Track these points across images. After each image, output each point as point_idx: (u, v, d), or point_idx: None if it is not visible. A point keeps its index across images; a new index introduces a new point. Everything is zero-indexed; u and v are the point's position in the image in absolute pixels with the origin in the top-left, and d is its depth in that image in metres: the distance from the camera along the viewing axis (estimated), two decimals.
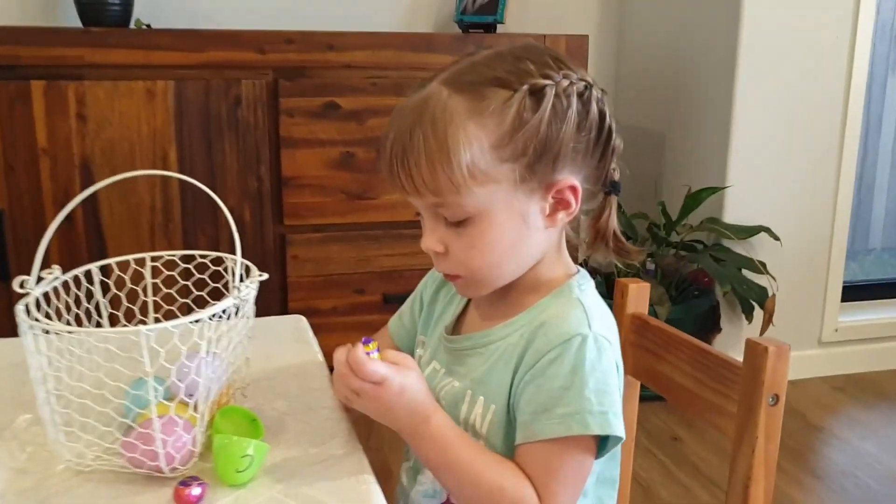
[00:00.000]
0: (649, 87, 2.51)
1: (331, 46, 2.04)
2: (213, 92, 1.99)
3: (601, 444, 0.82)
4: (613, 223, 0.89)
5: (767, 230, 2.24)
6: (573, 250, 0.93)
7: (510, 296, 0.89)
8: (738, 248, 2.27)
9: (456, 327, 0.96)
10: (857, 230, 2.99)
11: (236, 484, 0.77)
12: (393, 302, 2.19)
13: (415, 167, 0.80)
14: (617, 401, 0.81)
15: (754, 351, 0.89)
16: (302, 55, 2.03)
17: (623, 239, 0.90)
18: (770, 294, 2.13)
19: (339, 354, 0.81)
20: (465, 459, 0.81)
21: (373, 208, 2.15)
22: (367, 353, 0.80)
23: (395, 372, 0.79)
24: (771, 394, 0.89)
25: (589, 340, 0.80)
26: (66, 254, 1.94)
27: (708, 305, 2.22)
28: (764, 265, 2.15)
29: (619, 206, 0.91)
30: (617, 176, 0.89)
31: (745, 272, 2.20)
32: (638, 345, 1.07)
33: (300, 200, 2.10)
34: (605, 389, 0.80)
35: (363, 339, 0.81)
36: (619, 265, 0.94)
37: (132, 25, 2.17)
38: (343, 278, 2.19)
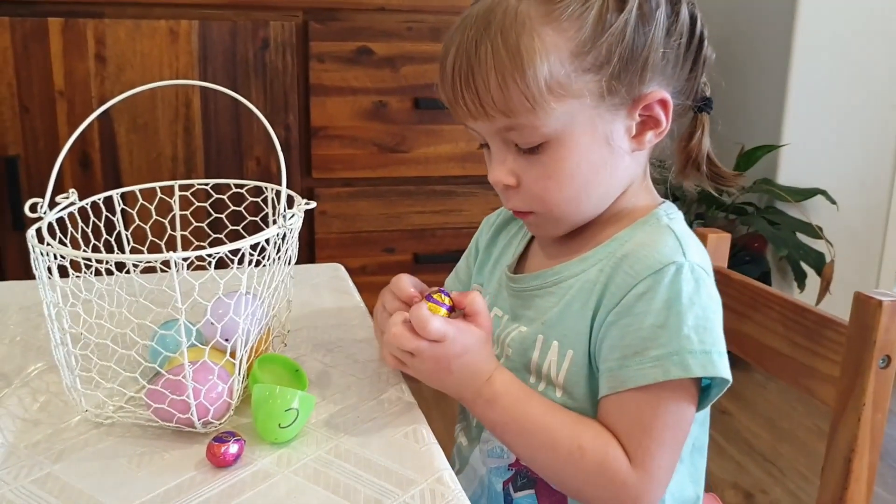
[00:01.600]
0: None
1: None
2: (240, 33, 1.88)
3: (702, 393, 0.72)
4: (707, 144, 0.79)
5: (824, 193, 2.12)
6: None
7: (585, 229, 0.79)
8: (792, 211, 2.14)
9: (518, 267, 0.85)
10: None
11: (279, 441, 0.67)
12: (424, 262, 2.10)
13: (482, 85, 0.69)
14: (721, 338, 0.70)
15: (865, 306, 0.79)
16: None
17: (718, 163, 0.80)
18: (828, 260, 2.01)
19: (396, 317, 0.70)
20: (537, 420, 0.70)
21: (405, 162, 2.04)
22: (440, 303, 0.70)
23: (457, 329, 0.69)
24: (882, 355, 0.79)
25: (685, 269, 0.69)
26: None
27: (759, 272, 2.10)
28: (821, 229, 2.02)
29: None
30: (708, 91, 0.79)
31: (799, 236, 2.08)
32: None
33: (329, 152, 1.99)
34: (707, 326, 0.69)
35: (436, 290, 0.72)
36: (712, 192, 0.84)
37: None
38: (372, 236, 2.08)
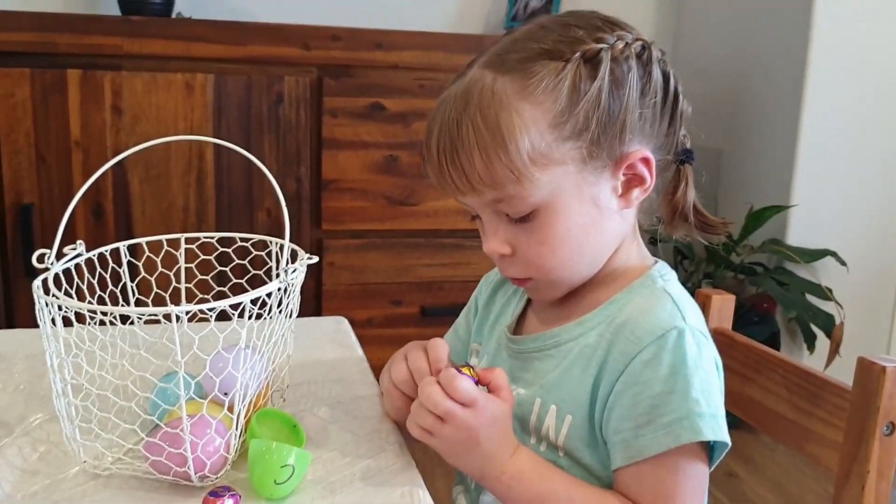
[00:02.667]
0: (706, 101, 2.40)
1: (379, 45, 1.95)
2: (255, 88, 1.91)
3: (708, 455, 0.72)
4: (692, 195, 0.79)
5: (833, 254, 2.11)
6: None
7: (581, 291, 0.79)
8: (801, 272, 2.13)
9: (518, 328, 0.85)
10: None
11: (274, 497, 0.67)
12: (431, 315, 2.10)
13: (467, 162, 0.71)
14: (722, 403, 0.71)
15: (869, 371, 0.79)
16: (348, 53, 1.94)
17: (705, 211, 0.80)
18: (837, 322, 1.99)
19: (426, 383, 0.70)
20: (561, 497, 0.70)
21: (414, 215, 2.06)
22: (466, 375, 0.70)
23: (488, 398, 0.69)
24: (886, 421, 0.78)
25: (686, 334, 0.70)
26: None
27: (768, 333, 2.09)
28: (830, 291, 2.01)
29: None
30: (689, 143, 0.80)
31: (808, 298, 2.07)
32: (722, 365, 0.96)
33: (340, 204, 2.01)
34: (710, 389, 0.70)
35: (463, 363, 0.73)
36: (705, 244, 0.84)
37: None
38: (380, 288, 2.09)
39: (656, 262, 0.81)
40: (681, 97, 0.77)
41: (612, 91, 0.71)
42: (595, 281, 0.79)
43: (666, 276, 0.78)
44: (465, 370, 0.71)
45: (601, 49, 0.71)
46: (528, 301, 0.86)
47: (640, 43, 0.74)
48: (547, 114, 0.70)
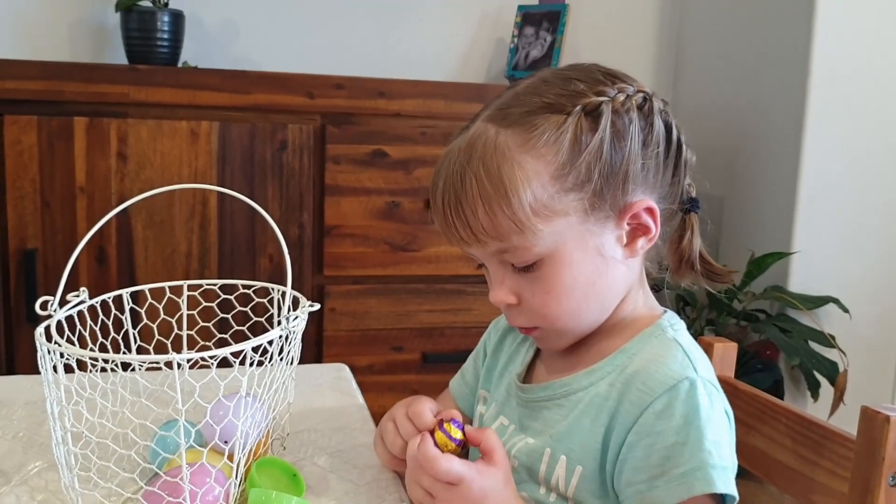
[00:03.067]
0: (706, 149, 2.38)
1: (381, 93, 1.98)
2: (259, 135, 1.93)
3: None
4: (698, 244, 0.80)
5: (836, 301, 2.11)
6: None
7: (590, 339, 0.79)
8: (804, 318, 2.13)
9: (527, 376, 0.85)
10: None
11: None
12: (433, 361, 2.09)
13: (471, 214, 0.72)
14: (733, 455, 0.71)
15: (872, 421, 0.78)
16: (351, 101, 1.97)
17: (711, 260, 0.80)
18: (841, 369, 1.98)
19: (412, 446, 0.70)
20: None
21: (415, 261, 2.06)
22: (451, 437, 0.69)
23: (476, 471, 0.68)
24: (892, 472, 0.77)
25: (698, 385, 0.70)
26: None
27: (772, 380, 2.08)
28: (833, 338, 2.00)
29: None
30: (694, 192, 0.80)
31: (811, 345, 2.06)
32: None
33: (341, 250, 2.02)
34: (721, 441, 0.70)
35: (448, 418, 0.70)
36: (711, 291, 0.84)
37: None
38: (381, 334, 2.08)
39: (665, 311, 0.81)
40: (684, 147, 0.78)
41: (613, 143, 0.72)
42: (603, 330, 0.79)
43: (675, 326, 0.78)
44: (448, 428, 0.69)
45: (602, 102, 0.72)
46: (538, 349, 0.86)
47: (641, 95, 0.74)
48: (549, 166, 0.71)
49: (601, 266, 0.75)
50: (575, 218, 0.72)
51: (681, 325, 0.79)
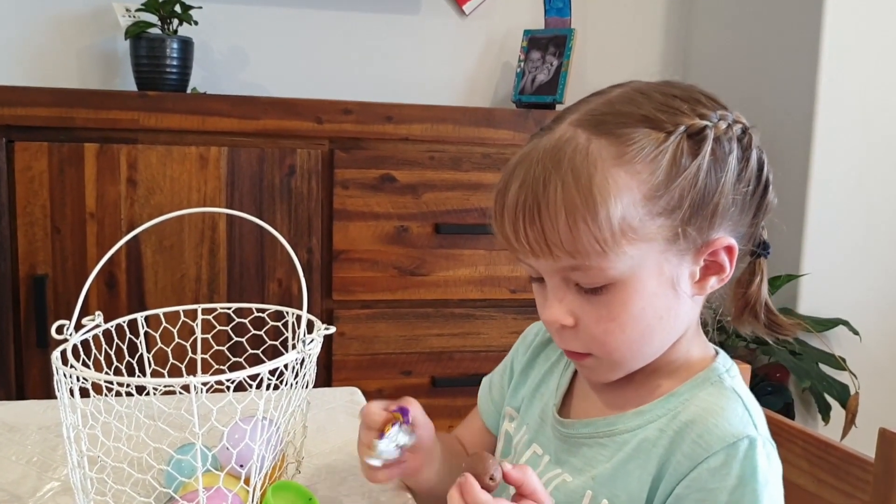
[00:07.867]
0: None
1: (389, 118, 1.99)
2: (268, 160, 1.94)
3: None
4: (765, 291, 0.76)
5: (846, 323, 2.10)
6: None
7: (639, 377, 0.75)
8: (814, 341, 2.12)
9: (564, 405, 0.82)
10: None
11: None
12: (442, 385, 2.08)
13: (550, 224, 0.67)
14: None
15: (891, 443, 0.78)
16: (359, 126, 1.98)
17: (775, 310, 0.77)
18: (852, 392, 1.97)
19: (453, 495, 0.63)
20: None
21: (424, 285, 2.06)
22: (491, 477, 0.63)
23: None
24: None
25: (758, 445, 0.67)
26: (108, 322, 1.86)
27: (782, 403, 2.06)
28: (844, 360, 1.99)
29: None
30: (766, 235, 0.76)
31: (822, 367, 2.04)
32: None
33: (350, 275, 2.02)
34: None
35: (399, 414, 0.71)
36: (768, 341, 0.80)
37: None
38: (390, 358, 2.08)
39: (717, 352, 0.78)
40: (770, 187, 0.74)
41: (710, 171, 0.68)
42: (654, 368, 0.75)
43: (731, 372, 0.75)
44: (492, 466, 0.63)
45: (706, 126, 0.68)
46: (576, 373, 0.82)
47: (740, 125, 0.71)
48: (643, 185, 0.67)
49: (672, 300, 0.71)
50: (657, 245, 0.68)
51: (735, 370, 0.76)
